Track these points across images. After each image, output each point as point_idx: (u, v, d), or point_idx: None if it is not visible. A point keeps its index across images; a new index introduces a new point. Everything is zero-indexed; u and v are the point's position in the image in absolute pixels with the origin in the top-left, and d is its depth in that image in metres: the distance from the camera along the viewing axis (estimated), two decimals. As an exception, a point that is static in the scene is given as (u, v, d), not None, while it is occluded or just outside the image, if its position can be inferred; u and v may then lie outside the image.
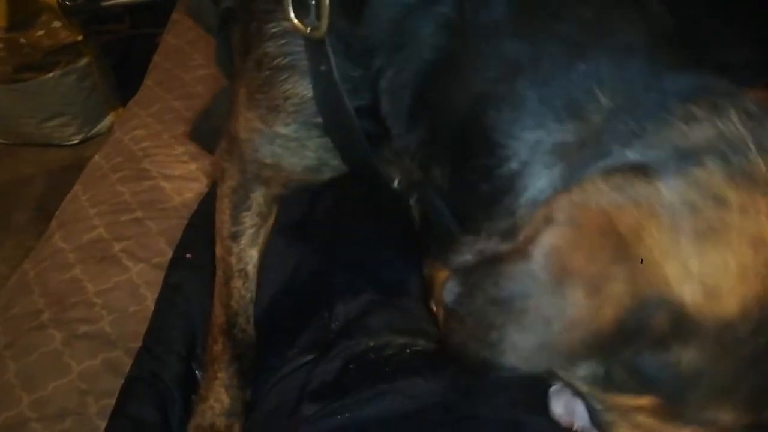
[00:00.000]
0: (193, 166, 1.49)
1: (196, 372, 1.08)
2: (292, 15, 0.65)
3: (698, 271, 0.41)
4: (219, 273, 1.01)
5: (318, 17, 0.63)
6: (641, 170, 0.43)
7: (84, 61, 2.53)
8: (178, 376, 1.06)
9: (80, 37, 2.50)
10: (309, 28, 0.64)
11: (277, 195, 0.91)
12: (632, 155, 0.44)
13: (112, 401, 1.02)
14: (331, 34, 0.64)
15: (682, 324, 0.41)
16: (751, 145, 0.43)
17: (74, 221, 1.38)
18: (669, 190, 0.42)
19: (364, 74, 0.64)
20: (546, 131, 0.50)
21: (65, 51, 2.47)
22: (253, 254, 0.96)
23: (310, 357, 1.05)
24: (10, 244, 2.22)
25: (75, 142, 2.66)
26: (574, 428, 0.63)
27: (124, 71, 2.68)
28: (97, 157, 1.59)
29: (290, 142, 0.76)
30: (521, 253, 0.43)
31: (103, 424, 1.00)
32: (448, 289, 0.48)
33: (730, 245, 0.40)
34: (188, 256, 1.22)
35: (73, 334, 1.13)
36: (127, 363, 1.08)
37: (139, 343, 1.10)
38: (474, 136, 0.54)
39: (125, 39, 2.92)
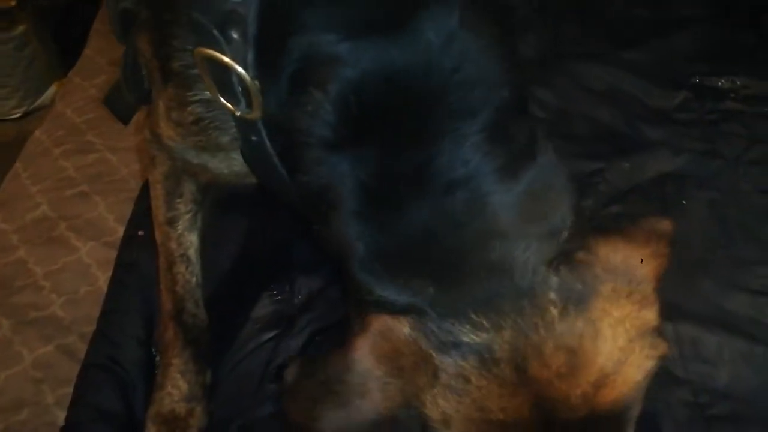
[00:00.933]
0: (139, 137, 1.41)
1: (156, 356, 1.04)
2: (221, 99, 0.67)
3: (444, 405, 0.57)
4: (161, 259, 0.99)
5: (249, 105, 0.66)
6: (451, 339, 0.57)
7: (20, 28, 2.38)
8: (138, 360, 1.02)
9: (13, 3, 2.34)
10: (239, 112, 0.67)
11: (212, 182, 0.89)
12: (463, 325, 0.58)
13: (70, 389, 0.98)
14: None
15: (427, 427, 0.58)
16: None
17: (15, 200, 1.30)
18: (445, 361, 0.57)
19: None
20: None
21: (-3, 18, 2.32)
22: (192, 239, 0.96)
23: (273, 333, 1.03)
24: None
25: (17, 115, 2.52)
26: None
27: (64, 39, 2.54)
28: (37, 132, 1.50)
29: (214, 156, 0.78)
30: (347, 348, 0.58)
31: (62, 414, 0.96)
32: (288, 371, 0.64)
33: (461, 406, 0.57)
34: (140, 233, 1.16)
35: (22, 320, 1.08)
36: (82, 349, 1.04)
37: (92, 327, 1.05)
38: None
39: (64, 5, 2.75)
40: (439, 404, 0.57)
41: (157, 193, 0.94)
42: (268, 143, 0.69)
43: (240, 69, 0.65)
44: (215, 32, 0.65)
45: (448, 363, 0.57)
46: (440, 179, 0.60)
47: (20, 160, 1.44)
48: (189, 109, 0.73)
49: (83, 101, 1.56)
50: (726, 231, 1.08)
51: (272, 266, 1.11)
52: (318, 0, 0.62)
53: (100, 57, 1.71)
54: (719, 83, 1.36)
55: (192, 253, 0.96)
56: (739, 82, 1.34)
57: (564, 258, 0.59)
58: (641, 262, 0.62)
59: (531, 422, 0.56)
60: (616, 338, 0.58)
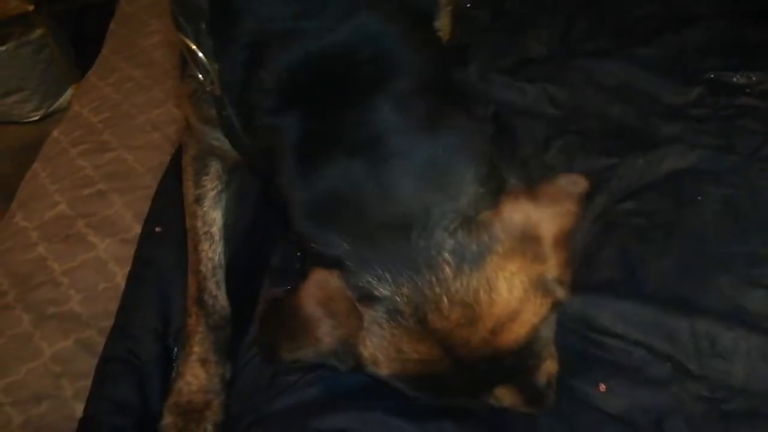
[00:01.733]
0: (155, 135, 1.43)
1: (174, 349, 1.05)
2: (199, 75, 0.82)
3: (370, 345, 0.69)
4: (189, 242, 1.04)
5: (213, 83, 0.81)
6: (365, 291, 0.68)
7: (38, 32, 2.42)
8: (155, 354, 1.03)
9: (31, 8, 2.38)
10: (208, 87, 0.82)
11: (234, 166, 1.00)
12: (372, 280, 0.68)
13: (88, 383, 1.00)
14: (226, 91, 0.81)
15: (361, 363, 0.70)
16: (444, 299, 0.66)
17: (35, 199, 1.32)
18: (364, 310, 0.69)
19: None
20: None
21: (16, 22, 2.36)
22: (216, 216, 1.02)
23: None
24: (-27, 226, 2.14)
25: (36, 118, 2.57)
26: None
27: (80, 42, 2.57)
28: (55, 133, 1.53)
29: (225, 141, 0.90)
30: (294, 294, 0.71)
31: (79, 407, 0.98)
32: (259, 309, 0.91)
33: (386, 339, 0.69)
34: (157, 230, 1.18)
35: (41, 315, 1.10)
36: (100, 343, 1.05)
37: (110, 322, 1.07)
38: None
39: (79, 8, 2.79)
40: (367, 345, 0.68)
41: (187, 174, 1.03)
42: (233, 116, 0.82)
43: (200, 54, 0.81)
44: (181, 20, 0.83)
45: (367, 311, 0.67)
46: (348, 143, 0.69)
47: (39, 161, 1.47)
48: (186, 81, 0.89)
49: (99, 101, 1.59)
50: (741, 227, 1.07)
51: (286, 266, 1.11)
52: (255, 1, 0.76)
53: (117, 56, 1.74)
54: (734, 79, 1.35)
55: (215, 231, 1.02)
56: (754, 78, 1.33)
57: (463, 220, 0.67)
58: (543, 219, 0.68)
59: (442, 360, 0.67)
60: (511, 290, 0.66)
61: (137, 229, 1.21)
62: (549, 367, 0.73)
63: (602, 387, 0.89)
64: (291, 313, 0.71)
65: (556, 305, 0.70)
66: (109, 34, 1.86)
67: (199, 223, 1.02)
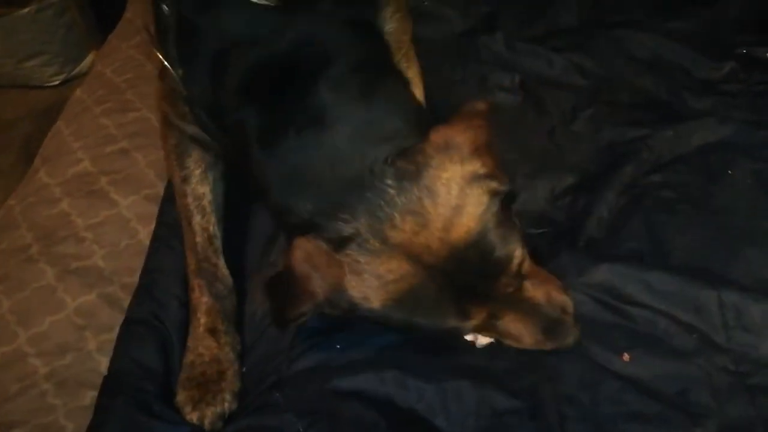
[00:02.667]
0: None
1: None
2: (177, 78, 0.96)
3: (355, 284, 0.80)
4: (183, 221, 1.07)
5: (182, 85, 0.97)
6: (336, 239, 0.80)
7: (59, -5, 2.41)
8: (178, 321, 1.03)
9: (52, -30, 2.37)
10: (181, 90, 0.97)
11: (216, 153, 1.08)
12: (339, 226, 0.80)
13: (111, 336, 1.01)
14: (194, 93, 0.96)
15: (354, 303, 0.80)
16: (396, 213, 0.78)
17: (58, 156, 1.33)
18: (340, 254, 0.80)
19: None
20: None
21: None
22: (204, 191, 1.08)
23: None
24: (-3, 186, 2.17)
25: (57, 82, 2.56)
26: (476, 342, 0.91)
27: (100, 7, 2.56)
28: (78, 91, 1.53)
29: (202, 133, 1.03)
30: (285, 259, 0.82)
31: (103, 360, 0.98)
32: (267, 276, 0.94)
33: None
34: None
35: (65, 269, 1.11)
36: (123, 299, 1.06)
37: (133, 279, 1.07)
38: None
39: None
40: (354, 285, 0.79)
41: (171, 161, 1.11)
42: (202, 113, 0.98)
43: (166, 63, 0.96)
44: (150, 31, 1.01)
45: (342, 255, 0.79)
46: (297, 124, 0.83)
47: (62, 119, 1.47)
48: (164, 82, 1.03)
49: (121, 62, 1.58)
50: (771, 200, 1.05)
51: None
52: (212, 15, 0.91)
53: (139, 20, 1.72)
54: (767, 54, 1.32)
55: (206, 203, 1.07)
56: (788, 53, 1.30)
57: (398, 152, 0.79)
58: (461, 134, 0.81)
59: (415, 274, 0.77)
60: (449, 192, 0.77)
61: (160, 187, 1.22)
62: (518, 253, 0.80)
63: (626, 356, 0.88)
64: (286, 278, 0.82)
65: (495, 193, 0.79)
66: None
67: (189, 200, 1.07)
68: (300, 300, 0.81)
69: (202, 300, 1.00)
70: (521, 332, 0.86)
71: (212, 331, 0.98)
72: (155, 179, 1.24)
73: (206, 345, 0.97)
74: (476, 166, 0.80)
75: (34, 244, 1.15)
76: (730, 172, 1.10)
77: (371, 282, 0.79)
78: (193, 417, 0.91)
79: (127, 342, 0.99)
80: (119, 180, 1.24)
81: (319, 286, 0.80)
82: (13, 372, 0.99)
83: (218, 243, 1.06)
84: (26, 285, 1.09)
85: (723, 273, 0.95)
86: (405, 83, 0.98)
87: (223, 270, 1.04)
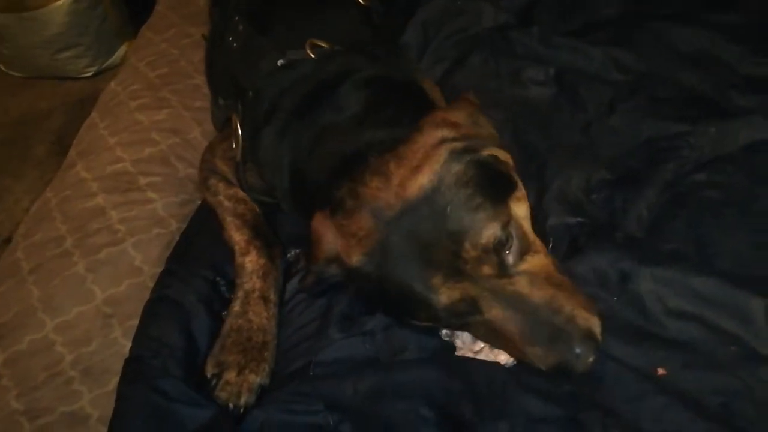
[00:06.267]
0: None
1: (222, 288, 1.04)
2: (234, 146, 1.12)
3: (340, 247, 0.87)
4: (225, 218, 1.09)
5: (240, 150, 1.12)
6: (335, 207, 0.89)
7: (93, -12, 2.44)
8: (203, 296, 1.02)
9: (87, -37, 2.40)
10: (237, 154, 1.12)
11: None
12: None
13: (137, 323, 1.00)
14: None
15: (342, 265, 0.87)
16: None
17: (95, 151, 1.33)
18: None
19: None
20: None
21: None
22: (236, 189, 1.13)
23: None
24: (31, 176, 2.21)
25: (90, 74, 2.61)
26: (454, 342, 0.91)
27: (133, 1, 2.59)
28: (113, 84, 1.54)
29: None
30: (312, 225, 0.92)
31: (128, 345, 0.98)
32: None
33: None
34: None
35: (96, 259, 1.11)
36: (151, 288, 1.05)
37: (163, 268, 1.07)
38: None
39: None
40: (340, 245, 0.86)
41: (201, 187, 1.19)
42: (254, 180, 1.13)
43: (239, 131, 1.11)
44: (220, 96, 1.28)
45: (335, 219, 0.86)
46: (322, 112, 0.99)
47: (97, 110, 1.48)
48: (227, 141, 1.17)
49: (156, 56, 1.59)
50: (822, 205, 1.00)
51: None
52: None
53: (172, 12, 1.73)
54: (819, 49, 1.26)
55: (242, 194, 1.11)
56: (840, 51, 1.24)
57: (395, 136, 0.88)
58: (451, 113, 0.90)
59: (377, 229, 0.82)
60: (415, 155, 0.83)
61: (197, 196, 1.21)
62: (492, 230, 0.79)
63: (660, 371, 0.83)
64: (312, 238, 0.90)
65: (457, 152, 0.83)
66: (165, -11, 1.85)
67: (223, 199, 1.11)
68: (310, 263, 0.90)
69: (259, 262, 1.00)
70: (508, 330, 0.79)
71: (265, 300, 0.97)
72: (192, 189, 1.24)
73: (257, 311, 0.96)
74: (446, 132, 0.85)
75: (67, 236, 1.16)
76: (777, 173, 1.05)
77: (350, 240, 0.84)
78: (234, 383, 0.89)
79: (149, 322, 0.98)
80: (158, 182, 1.25)
81: (320, 250, 0.88)
82: (41, 360, 1.00)
83: (263, 219, 1.09)
84: (57, 274, 1.10)
85: (769, 279, 0.90)
86: (420, 88, 1.10)
87: (276, 240, 1.05)
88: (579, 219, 1.03)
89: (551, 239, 1.00)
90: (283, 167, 1.02)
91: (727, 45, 1.29)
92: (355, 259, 0.84)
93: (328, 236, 0.87)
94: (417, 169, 0.82)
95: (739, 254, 0.94)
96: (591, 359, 0.77)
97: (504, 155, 0.89)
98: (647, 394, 0.81)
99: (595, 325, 0.79)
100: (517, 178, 0.89)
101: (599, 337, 0.78)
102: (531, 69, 1.32)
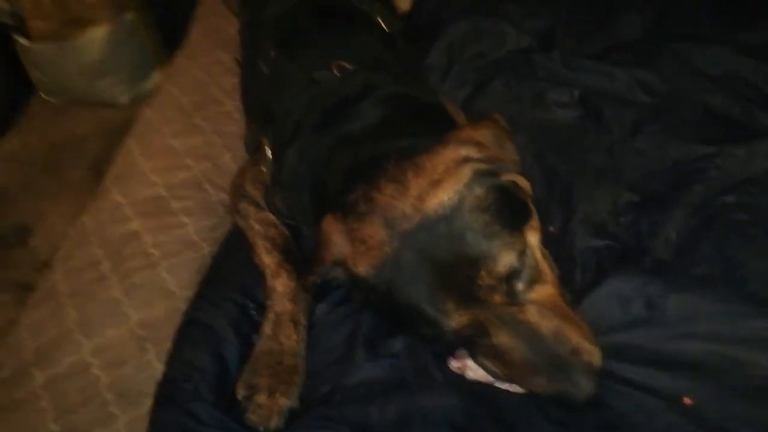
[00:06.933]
0: (243, 124, 1.46)
1: (252, 312, 1.06)
2: (264, 170, 1.15)
3: (348, 253, 0.85)
4: (256, 241, 1.10)
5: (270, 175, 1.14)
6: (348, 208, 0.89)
7: (129, 15, 2.52)
8: (234, 320, 1.04)
9: (123, -8, 2.48)
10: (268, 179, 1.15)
11: None
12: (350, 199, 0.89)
13: (171, 346, 1.02)
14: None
15: (348, 271, 0.86)
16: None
17: (130, 176, 1.38)
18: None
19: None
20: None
21: (109, 5, 2.46)
22: (265, 213, 1.14)
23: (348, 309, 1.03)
24: (67, 201, 2.28)
25: (125, 101, 2.68)
26: (463, 371, 0.89)
27: (166, 26, 2.66)
28: (148, 111, 1.58)
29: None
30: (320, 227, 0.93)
31: (161, 368, 0.99)
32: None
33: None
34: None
35: (132, 283, 1.14)
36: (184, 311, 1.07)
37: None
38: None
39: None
40: (348, 251, 0.85)
41: (232, 204, 1.21)
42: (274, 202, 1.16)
43: (269, 154, 1.13)
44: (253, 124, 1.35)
45: (346, 222, 0.86)
46: (340, 124, 1.01)
47: (131, 136, 1.53)
48: (257, 166, 1.19)
49: (189, 83, 1.64)
50: None
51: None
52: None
53: (205, 39, 1.78)
54: None
55: (272, 218, 1.13)
56: None
57: (415, 146, 0.88)
58: (475, 132, 0.90)
59: (391, 240, 0.80)
60: (435, 168, 0.82)
61: (228, 220, 1.23)
62: (507, 258, 0.78)
63: (687, 400, 0.82)
64: (320, 238, 0.90)
65: (480, 174, 0.82)
66: (197, 16, 1.92)
67: (253, 223, 1.13)
68: (314, 263, 0.89)
69: (290, 285, 1.01)
70: (512, 358, 0.79)
71: (296, 323, 0.98)
72: (224, 213, 1.27)
73: (287, 334, 0.96)
74: (471, 151, 0.84)
75: (104, 260, 1.19)
76: (808, 195, 1.03)
77: (358, 247, 0.83)
78: (265, 406, 0.89)
79: (182, 346, 1.00)
80: (190, 207, 1.28)
81: (327, 252, 0.86)
82: (77, 382, 1.02)
83: (295, 247, 1.10)
84: (94, 297, 1.13)
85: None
86: (443, 108, 1.11)
87: (301, 264, 1.05)
88: (606, 242, 1.03)
89: (579, 263, 1.00)
90: (301, 184, 1.02)
91: (752, 64, 1.29)
92: (363, 269, 0.82)
93: (337, 238, 0.85)
94: (437, 183, 0.80)
95: (768, 278, 0.92)
96: (592, 390, 0.77)
97: (524, 182, 0.89)
98: (674, 426, 0.80)
99: (596, 358, 0.79)
100: (532, 207, 0.88)
101: (600, 369, 0.79)
102: (555, 91, 1.33)
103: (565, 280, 0.92)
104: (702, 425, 0.79)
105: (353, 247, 0.83)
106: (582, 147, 1.22)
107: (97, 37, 2.46)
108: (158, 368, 1.00)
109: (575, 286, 0.96)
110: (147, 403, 0.95)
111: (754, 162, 1.10)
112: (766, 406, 0.80)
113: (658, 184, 1.11)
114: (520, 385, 0.82)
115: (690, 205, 1.05)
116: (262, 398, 0.91)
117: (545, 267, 0.85)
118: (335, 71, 1.10)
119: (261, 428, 0.90)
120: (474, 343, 0.83)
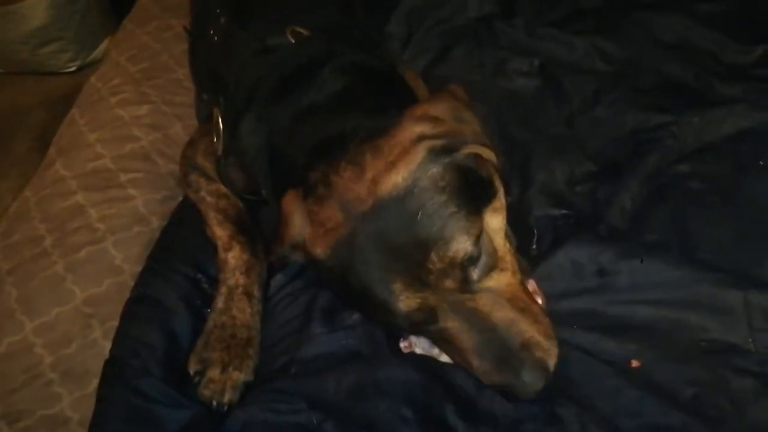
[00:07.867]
0: (194, 93, 1.40)
1: (204, 285, 1.03)
2: (215, 140, 1.11)
3: (307, 234, 0.84)
4: (208, 213, 1.07)
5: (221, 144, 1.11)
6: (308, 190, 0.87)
7: (74, -19, 2.40)
8: (184, 294, 1.01)
9: (68, -44, 2.35)
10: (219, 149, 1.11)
11: None
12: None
13: (117, 323, 0.98)
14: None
15: (307, 253, 0.85)
16: None
17: (74, 148, 1.31)
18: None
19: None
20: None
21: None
22: (217, 185, 1.11)
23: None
24: (14, 173, 2.18)
25: (72, 69, 2.57)
26: (411, 349, 0.89)
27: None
28: (93, 79, 1.51)
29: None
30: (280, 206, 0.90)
31: (108, 346, 0.96)
32: None
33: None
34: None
35: (75, 259, 1.10)
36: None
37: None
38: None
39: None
40: (307, 232, 0.83)
41: (182, 174, 1.18)
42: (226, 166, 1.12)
43: (221, 125, 1.09)
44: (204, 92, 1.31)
45: (307, 203, 0.84)
46: (302, 93, 0.97)
47: (77, 107, 1.45)
48: (208, 136, 1.15)
49: (137, 49, 1.56)
50: (805, 194, 1.00)
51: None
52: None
53: (154, 4, 1.70)
54: (802, 37, 1.26)
55: (224, 190, 1.10)
56: (824, 38, 1.24)
57: (377, 122, 0.85)
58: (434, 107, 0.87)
59: (346, 222, 0.79)
60: (392, 150, 0.80)
61: (179, 193, 1.19)
62: (463, 245, 0.75)
63: (634, 363, 0.83)
64: (280, 217, 0.88)
65: (436, 151, 0.79)
66: (146, -19, 1.82)
67: (204, 191, 1.10)
68: (275, 244, 0.87)
69: (242, 258, 0.98)
70: (461, 346, 0.78)
71: (249, 295, 0.96)
72: (174, 186, 1.22)
73: (240, 308, 0.95)
74: (426, 128, 0.81)
75: (46, 235, 1.14)
76: (761, 162, 1.04)
77: (318, 230, 0.82)
78: (218, 381, 0.88)
79: (129, 323, 0.97)
80: (139, 179, 1.23)
81: (287, 233, 0.84)
82: (20, 362, 0.98)
83: (247, 216, 1.07)
84: (35, 275, 1.08)
85: (750, 272, 0.89)
86: (401, 78, 1.10)
87: (260, 237, 1.03)
88: (563, 211, 1.03)
89: (536, 231, 1.00)
90: (262, 150, 0.99)
91: (710, 33, 1.29)
92: (320, 251, 0.81)
93: (297, 219, 0.84)
94: (392, 165, 0.78)
95: (721, 245, 0.94)
96: (538, 387, 0.76)
97: (488, 153, 0.84)
98: (622, 388, 0.81)
99: (551, 356, 0.78)
100: (498, 184, 0.85)
101: (552, 369, 0.77)
102: (516, 60, 1.32)
103: (521, 249, 0.91)
104: (648, 387, 0.80)
105: (312, 229, 0.82)
106: (543, 116, 1.21)
107: (39, 1, 2.34)
108: (105, 346, 0.97)
109: (531, 255, 0.95)
110: (93, 383, 0.92)
111: (709, 130, 1.11)
112: (711, 368, 0.82)
113: (615, 153, 1.12)
114: (468, 372, 0.81)
115: (646, 173, 1.05)
116: (214, 373, 0.89)
117: (506, 253, 0.82)
118: (290, 37, 1.06)
119: (214, 402, 0.88)
120: (424, 329, 0.82)
